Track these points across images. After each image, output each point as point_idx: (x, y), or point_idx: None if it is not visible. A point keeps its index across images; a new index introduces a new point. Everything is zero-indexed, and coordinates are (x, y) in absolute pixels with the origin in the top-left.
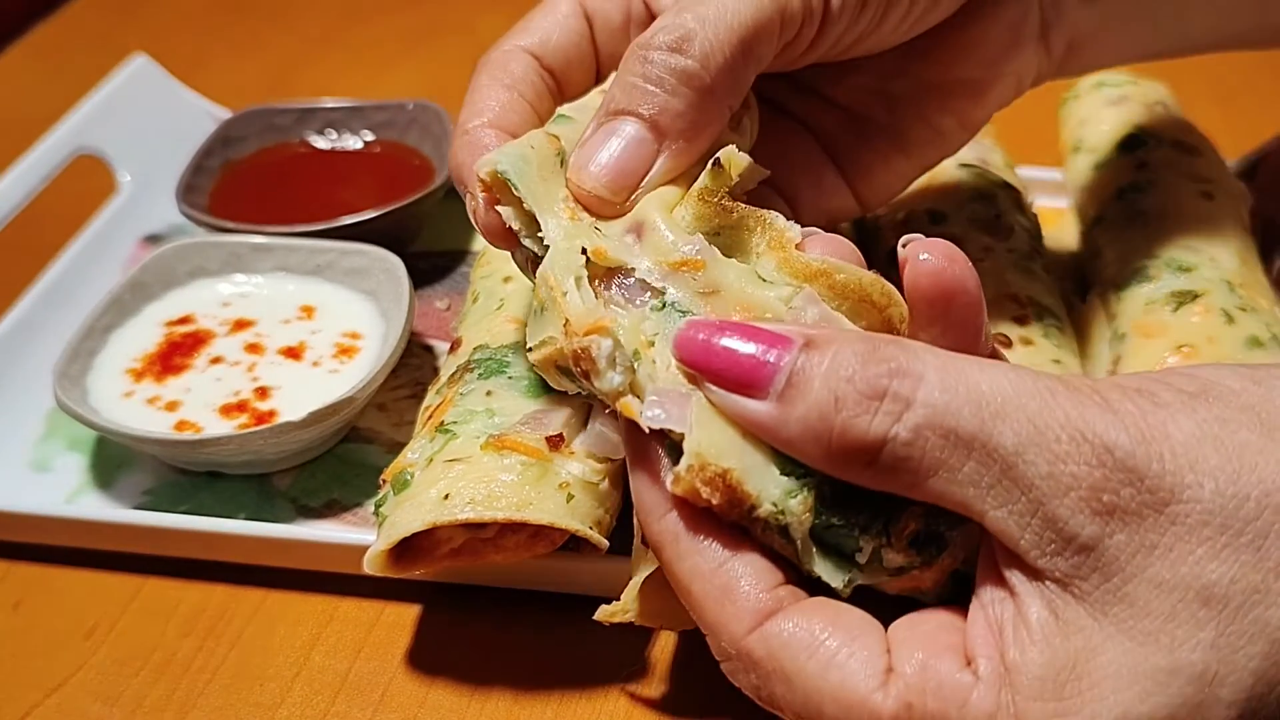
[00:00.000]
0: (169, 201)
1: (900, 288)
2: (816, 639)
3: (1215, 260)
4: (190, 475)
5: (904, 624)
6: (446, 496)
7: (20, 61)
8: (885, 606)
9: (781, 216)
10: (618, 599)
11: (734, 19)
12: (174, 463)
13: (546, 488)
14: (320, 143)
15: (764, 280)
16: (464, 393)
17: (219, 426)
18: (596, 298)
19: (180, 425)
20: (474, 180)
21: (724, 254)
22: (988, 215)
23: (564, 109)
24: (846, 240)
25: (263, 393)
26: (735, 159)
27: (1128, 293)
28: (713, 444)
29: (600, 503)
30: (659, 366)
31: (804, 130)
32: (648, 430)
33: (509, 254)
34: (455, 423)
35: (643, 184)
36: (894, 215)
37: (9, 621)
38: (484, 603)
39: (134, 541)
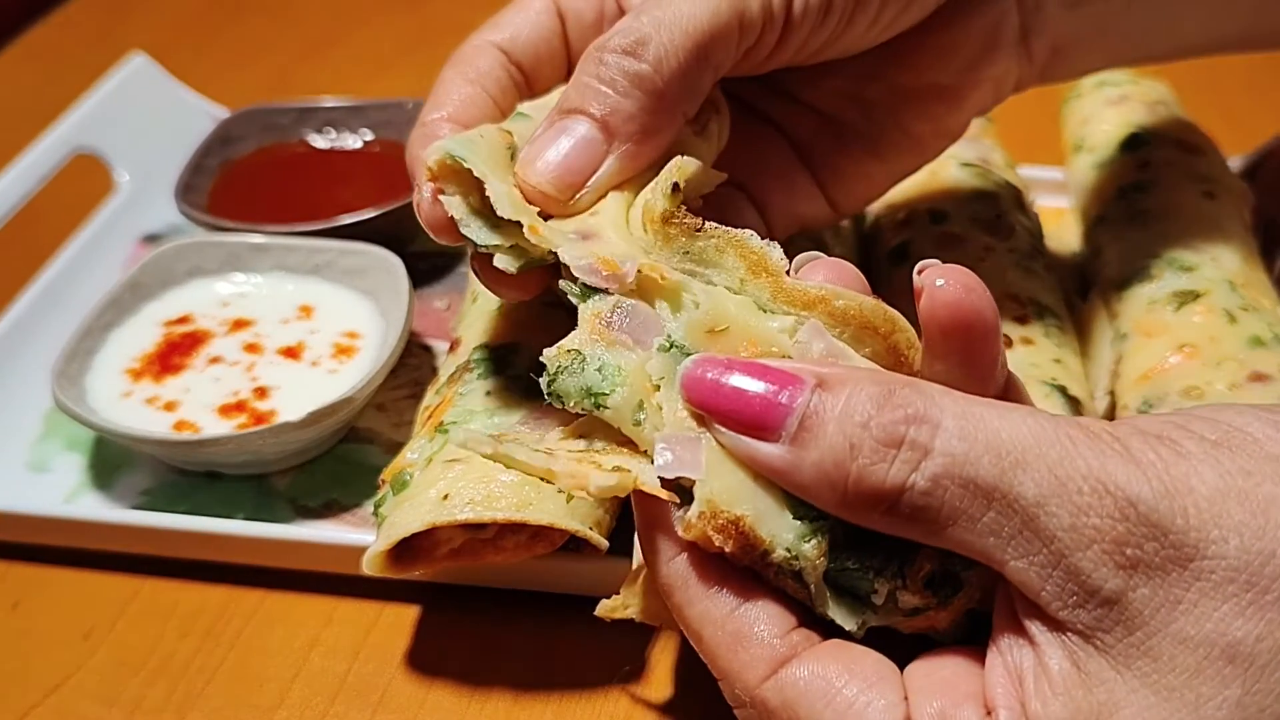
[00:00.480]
0: (167, 201)
1: (902, 300)
2: (833, 687)
3: (1217, 260)
4: (189, 475)
5: (920, 669)
6: (446, 497)
7: (18, 61)
8: (899, 644)
9: (755, 235)
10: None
11: (690, 24)
12: (172, 463)
13: (546, 488)
14: (319, 142)
15: (763, 310)
16: (463, 392)
17: (218, 426)
18: (595, 333)
19: (179, 425)
20: (422, 171)
21: (697, 269)
22: (989, 215)
23: (523, 106)
24: (849, 264)
25: (262, 393)
26: (683, 166)
27: (1129, 292)
28: (725, 489)
29: (600, 503)
30: (666, 411)
31: (778, 134)
32: (658, 479)
33: None
34: (454, 423)
35: (590, 184)
36: (894, 215)
37: (7, 622)
38: (483, 603)
39: (132, 542)
